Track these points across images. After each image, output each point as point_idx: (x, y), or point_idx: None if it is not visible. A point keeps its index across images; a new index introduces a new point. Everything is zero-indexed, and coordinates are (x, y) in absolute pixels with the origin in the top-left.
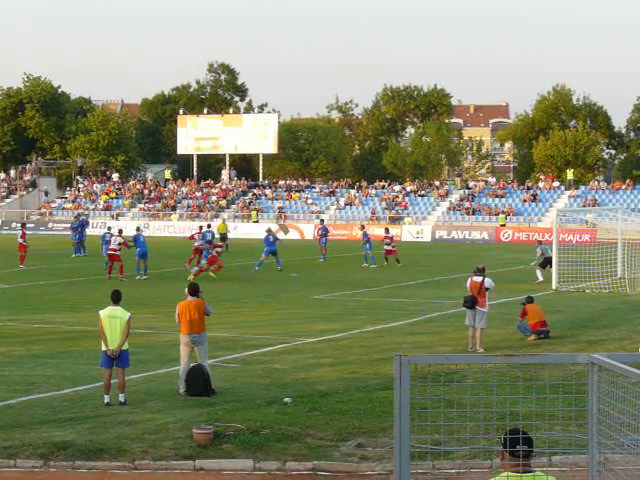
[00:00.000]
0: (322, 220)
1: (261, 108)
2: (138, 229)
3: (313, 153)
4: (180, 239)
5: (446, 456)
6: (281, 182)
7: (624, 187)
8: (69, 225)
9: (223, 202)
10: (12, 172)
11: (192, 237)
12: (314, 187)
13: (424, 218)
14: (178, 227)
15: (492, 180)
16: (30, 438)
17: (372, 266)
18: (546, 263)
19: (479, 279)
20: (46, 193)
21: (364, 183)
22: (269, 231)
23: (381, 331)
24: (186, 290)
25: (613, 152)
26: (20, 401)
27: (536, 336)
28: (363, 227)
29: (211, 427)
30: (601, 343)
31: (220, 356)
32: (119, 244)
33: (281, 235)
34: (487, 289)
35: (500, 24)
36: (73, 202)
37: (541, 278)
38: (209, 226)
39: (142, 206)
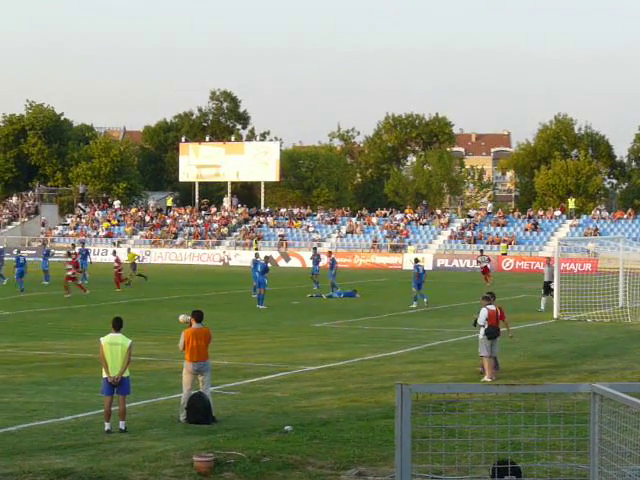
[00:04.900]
0: (315, 248)
1: (263, 136)
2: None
3: (315, 181)
4: (184, 266)
5: None
6: (283, 210)
7: (625, 216)
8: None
9: (224, 229)
10: (14, 199)
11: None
12: (315, 215)
13: (425, 247)
14: (179, 254)
15: (490, 205)
16: (30, 465)
17: (332, 294)
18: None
19: (494, 307)
20: (43, 224)
21: (365, 211)
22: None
23: (382, 359)
24: (186, 317)
25: (615, 182)
26: (20, 428)
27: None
28: (330, 253)
29: (212, 455)
30: (603, 373)
31: (221, 384)
32: None
33: (282, 263)
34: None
35: (502, 53)
36: (74, 229)
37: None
38: (257, 255)
39: (143, 233)
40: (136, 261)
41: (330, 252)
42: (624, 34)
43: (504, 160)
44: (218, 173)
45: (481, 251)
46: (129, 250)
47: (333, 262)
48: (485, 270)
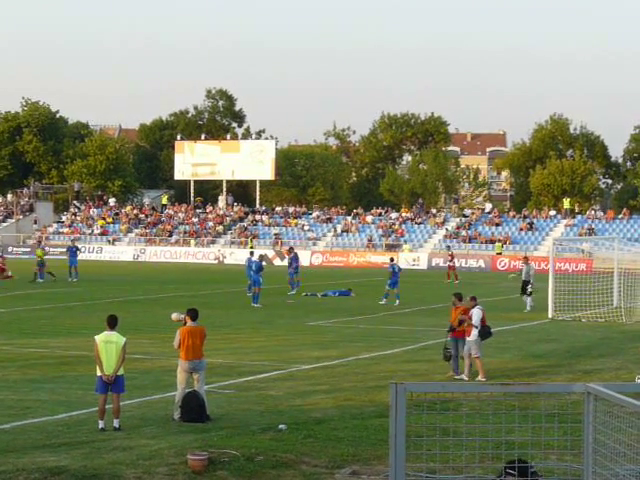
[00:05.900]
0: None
1: (259, 134)
2: None
3: (310, 180)
4: (179, 264)
5: None
6: (278, 208)
7: (620, 216)
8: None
9: (220, 228)
10: (9, 196)
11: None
12: (311, 214)
13: (421, 246)
14: (174, 252)
15: (488, 206)
16: (24, 463)
17: (292, 293)
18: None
19: (482, 307)
20: (35, 222)
21: (361, 210)
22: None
23: (377, 358)
24: (187, 316)
25: (610, 182)
26: (14, 426)
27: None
28: (292, 249)
29: (206, 453)
30: (597, 372)
31: (215, 382)
32: None
33: (277, 261)
34: None
35: (498, 53)
36: (69, 227)
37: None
38: (252, 254)
39: (138, 231)
40: (44, 257)
41: (292, 248)
42: (620, 34)
43: (499, 160)
44: (213, 171)
45: (448, 247)
46: (39, 246)
47: (293, 260)
48: (452, 267)
